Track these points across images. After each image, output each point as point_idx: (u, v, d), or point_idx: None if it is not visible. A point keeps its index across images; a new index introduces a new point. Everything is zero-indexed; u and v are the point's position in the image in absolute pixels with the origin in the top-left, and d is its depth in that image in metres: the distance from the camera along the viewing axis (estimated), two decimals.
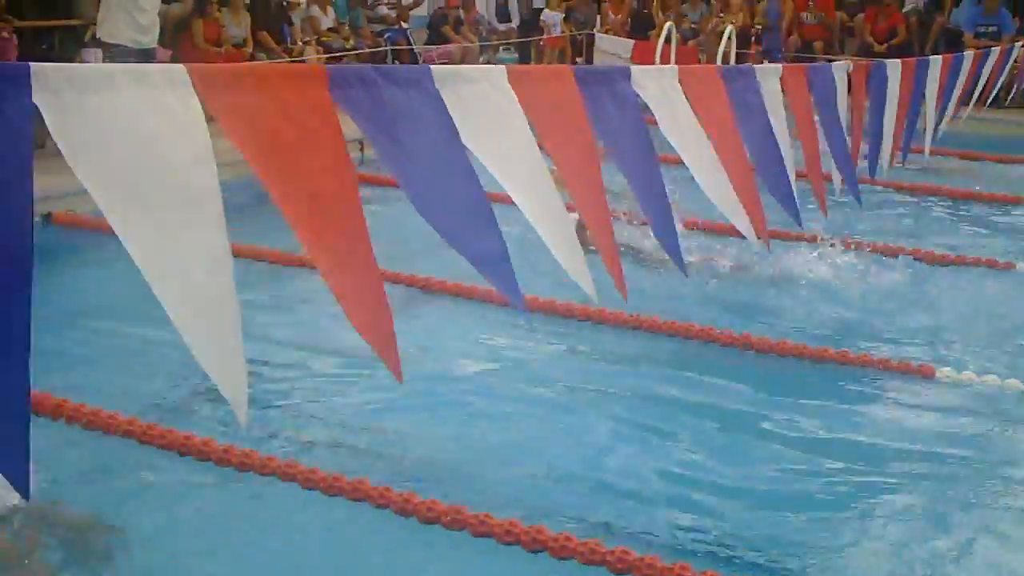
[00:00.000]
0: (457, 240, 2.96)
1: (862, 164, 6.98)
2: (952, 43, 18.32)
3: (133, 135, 2.28)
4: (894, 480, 5.61)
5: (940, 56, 7.82)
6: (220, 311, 2.43)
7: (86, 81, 2.22)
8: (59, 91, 2.16)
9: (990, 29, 18.24)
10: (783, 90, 4.84)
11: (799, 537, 4.98)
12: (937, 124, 9.10)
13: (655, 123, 4.00)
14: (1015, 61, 11.44)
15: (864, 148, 6.87)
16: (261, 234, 7.67)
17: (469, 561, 4.66)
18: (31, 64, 2.13)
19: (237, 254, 2.55)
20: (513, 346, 7.21)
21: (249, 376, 2.48)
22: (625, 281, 3.62)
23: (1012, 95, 16.09)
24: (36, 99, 2.12)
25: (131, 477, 5.21)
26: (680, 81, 3.93)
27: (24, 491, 2.24)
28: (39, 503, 4.61)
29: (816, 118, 5.47)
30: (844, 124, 5.94)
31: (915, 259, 9.48)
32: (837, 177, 6.12)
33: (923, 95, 7.36)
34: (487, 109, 3.09)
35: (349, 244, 2.69)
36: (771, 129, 4.75)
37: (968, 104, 10.37)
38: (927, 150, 8.84)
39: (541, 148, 3.23)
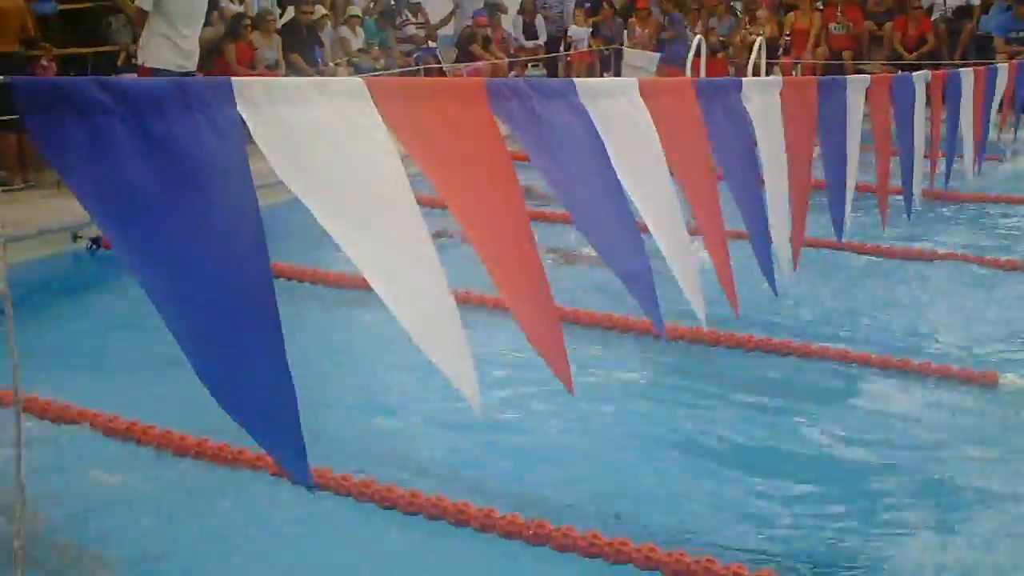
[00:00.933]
0: (610, 256, 2.96)
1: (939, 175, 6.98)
2: (982, 50, 18.30)
3: (328, 142, 2.29)
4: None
5: (1006, 64, 7.79)
6: (439, 301, 2.45)
7: (283, 93, 2.25)
8: (259, 103, 2.18)
9: (1022, 34, 18.20)
10: (867, 102, 4.84)
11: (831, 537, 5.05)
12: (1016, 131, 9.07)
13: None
14: None
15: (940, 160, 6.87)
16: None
17: None
18: (232, 79, 2.16)
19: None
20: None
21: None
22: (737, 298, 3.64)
23: None
24: (241, 110, 2.14)
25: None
26: (781, 94, 3.94)
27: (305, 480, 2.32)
28: None
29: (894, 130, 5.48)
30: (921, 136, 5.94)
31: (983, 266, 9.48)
32: (918, 189, 6.10)
33: (991, 103, 7.36)
34: (625, 124, 3.11)
35: (522, 257, 2.69)
36: (845, 144, 4.75)
37: None
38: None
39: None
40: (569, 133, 2.90)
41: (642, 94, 3.22)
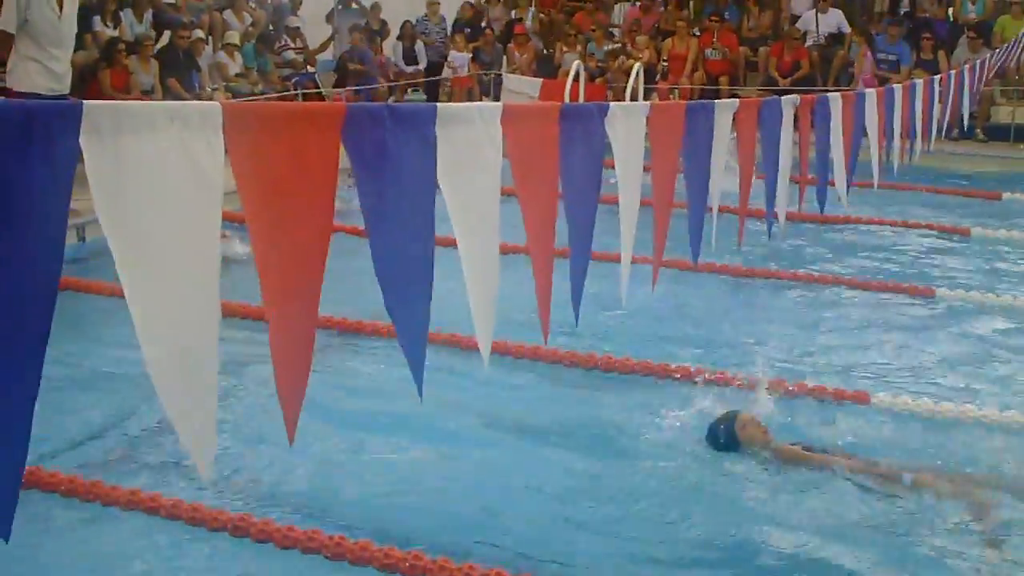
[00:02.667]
0: (396, 303, 2.95)
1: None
2: (852, 77, 18.70)
3: (154, 178, 2.26)
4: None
5: (874, 90, 7.93)
6: (202, 370, 2.42)
7: (132, 120, 2.23)
8: (103, 131, 2.16)
9: (890, 58, 18.63)
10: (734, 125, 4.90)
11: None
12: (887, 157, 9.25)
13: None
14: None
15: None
16: None
17: None
18: (84, 103, 2.13)
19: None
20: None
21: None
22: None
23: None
24: (82, 140, 2.12)
25: None
26: (648, 119, 3.96)
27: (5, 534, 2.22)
28: None
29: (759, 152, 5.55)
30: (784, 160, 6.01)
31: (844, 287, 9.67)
32: (782, 212, 6.17)
33: (864, 128, 7.48)
34: (472, 153, 3.11)
35: (305, 295, 2.70)
36: (709, 165, 4.79)
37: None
38: (875, 183, 8.93)
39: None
40: (409, 167, 2.92)
41: (503, 120, 3.24)
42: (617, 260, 4.25)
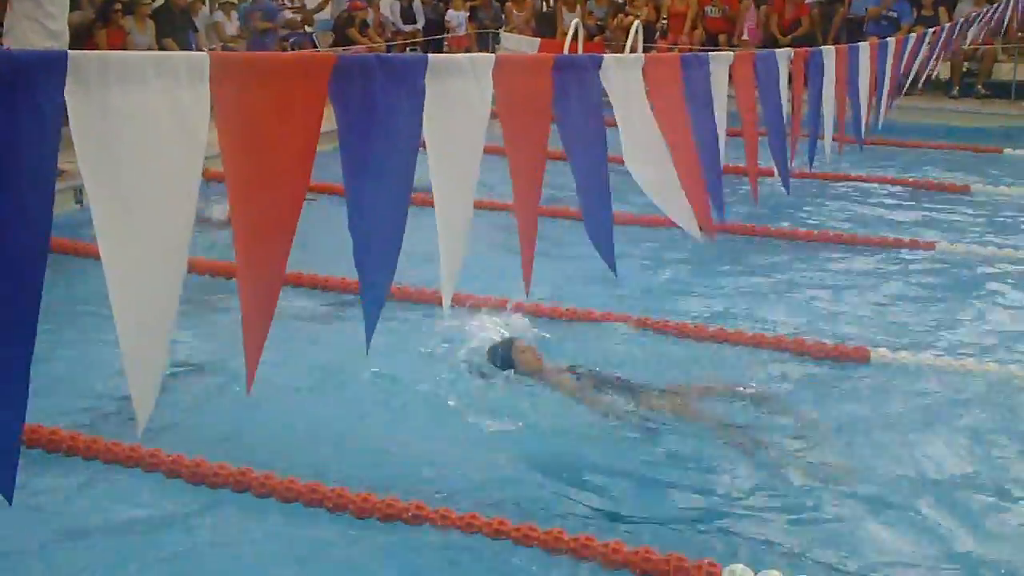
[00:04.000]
0: (365, 259, 2.94)
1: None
2: (853, 33, 18.59)
3: (143, 133, 2.24)
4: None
5: (868, 43, 7.89)
6: (159, 327, 2.41)
7: (120, 71, 2.21)
8: (91, 83, 2.15)
9: (890, 14, 18.54)
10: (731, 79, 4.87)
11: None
12: (878, 112, 9.24)
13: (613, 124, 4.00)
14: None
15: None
16: None
17: None
18: (69, 52, 2.11)
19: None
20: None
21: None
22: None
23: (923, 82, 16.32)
24: (68, 94, 2.11)
25: None
26: (643, 71, 3.93)
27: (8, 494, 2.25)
28: None
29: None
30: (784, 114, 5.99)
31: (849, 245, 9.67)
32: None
33: (858, 85, 7.45)
34: (461, 105, 3.09)
35: (276, 248, 2.68)
36: (714, 119, 4.76)
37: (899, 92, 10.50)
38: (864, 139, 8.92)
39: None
40: (395, 121, 2.89)
41: (495, 72, 3.21)
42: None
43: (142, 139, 2.26)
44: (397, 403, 6.17)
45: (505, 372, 6.24)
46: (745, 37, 18.93)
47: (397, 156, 2.99)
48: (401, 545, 4.73)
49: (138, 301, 2.33)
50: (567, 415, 5.95)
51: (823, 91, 6.59)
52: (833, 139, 7.54)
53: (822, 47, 6.59)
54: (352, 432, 5.81)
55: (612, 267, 3.98)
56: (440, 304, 3.39)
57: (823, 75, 6.44)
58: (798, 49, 6.19)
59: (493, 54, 3.34)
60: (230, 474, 5.12)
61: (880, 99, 9.21)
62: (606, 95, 3.79)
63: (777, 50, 5.71)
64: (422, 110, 3.01)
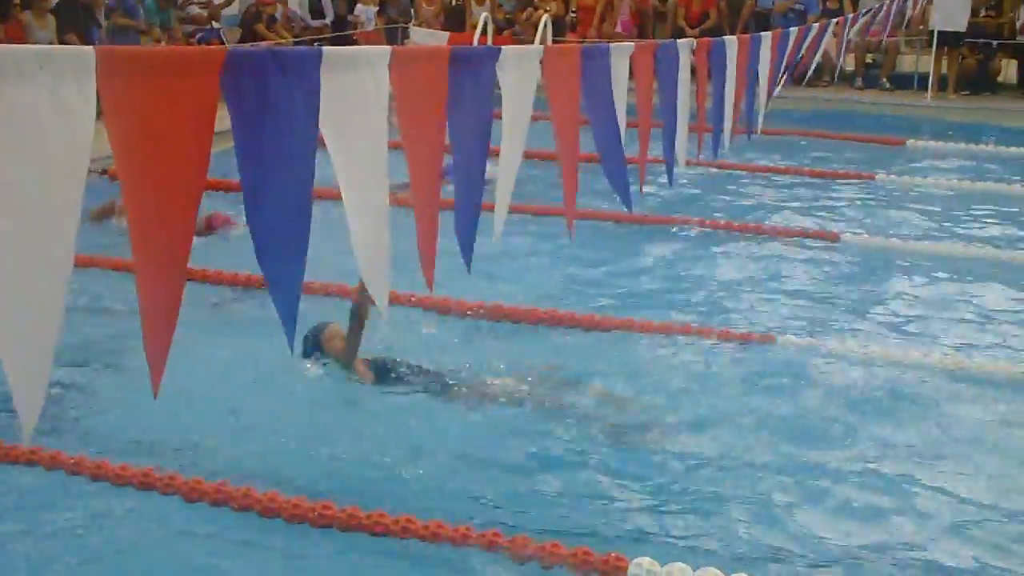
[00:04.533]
0: (267, 253, 2.89)
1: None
2: (761, 26, 18.77)
3: (26, 129, 2.18)
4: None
5: (771, 33, 7.96)
6: (45, 328, 2.36)
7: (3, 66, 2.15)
8: None
9: (797, 7, 18.74)
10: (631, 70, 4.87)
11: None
12: (766, 101, 9.33)
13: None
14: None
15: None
16: None
17: None
18: None
19: None
20: None
21: None
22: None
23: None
24: None
25: None
26: (541, 63, 3.92)
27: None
28: None
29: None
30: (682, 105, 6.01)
31: (747, 234, 9.75)
32: (681, 157, 6.16)
33: (756, 73, 7.51)
34: (357, 98, 3.05)
35: (173, 244, 2.62)
36: (613, 110, 4.75)
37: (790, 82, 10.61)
38: (759, 129, 9.00)
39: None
40: (289, 115, 2.85)
41: (392, 65, 3.18)
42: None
43: (25, 135, 2.20)
44: (306, 401, 6.11)
45: (312, 355, 6.29)
46: (619, 30, 19.00)
47: (294, 151, 2.94)
48: (310, 545, 4.69)
49: (21, 302, 2.27)
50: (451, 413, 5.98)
51: (726, 82, 6.63)
52: (735, 132, 7.61)
53: (725, 37, 6.64)
54: (262, 431, 5.73)
55: (468, 262, 3.95)
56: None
57: (726, 66, 6.48)
58: (701, 39, 6.22)
59: (389, 46, 3.31)
60: (133, 474, 5.04)
61: (775, 87, 9.30)
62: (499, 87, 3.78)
63: (679, 40, 5.73)
64: (318, 104, 2.97)
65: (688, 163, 6.96)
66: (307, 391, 6.16)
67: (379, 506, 4.80)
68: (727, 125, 7.12)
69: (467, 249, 3.93)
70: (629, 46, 4.86)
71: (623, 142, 4.96)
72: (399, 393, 6.10)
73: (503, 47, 3.79)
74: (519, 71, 3.85)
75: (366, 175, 3.18)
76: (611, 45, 4.63)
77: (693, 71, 6.24)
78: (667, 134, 5.84)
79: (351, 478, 5.23)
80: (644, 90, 5.16)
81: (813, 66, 13.48)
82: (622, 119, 4.78)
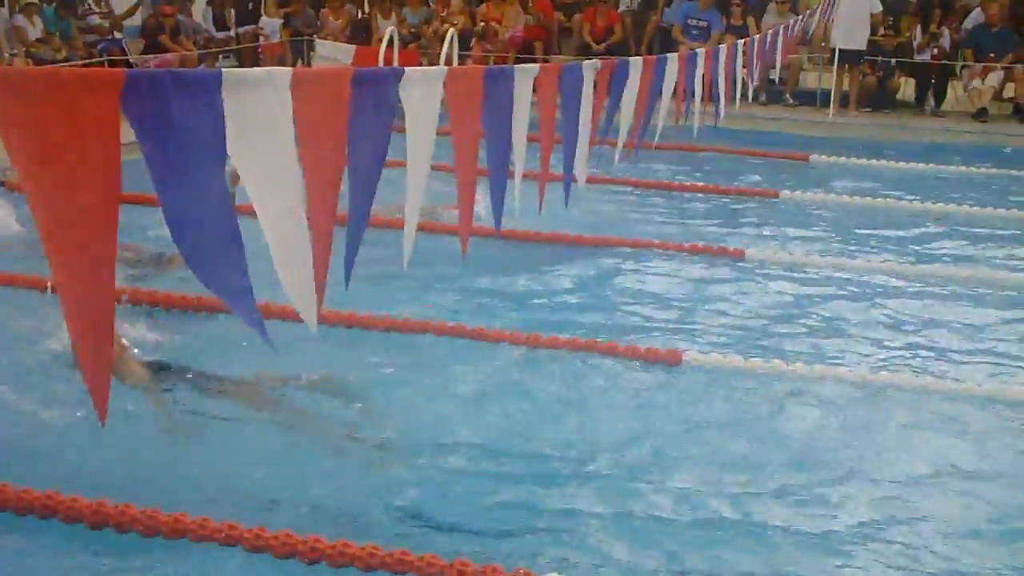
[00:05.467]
0: (207, 272, 2.85)
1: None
2: (666, 41, 18.96)
3: None
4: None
5: (675, 54, 8.01)
6: None
7: None
8: None
9: (701, 23, 18.91)
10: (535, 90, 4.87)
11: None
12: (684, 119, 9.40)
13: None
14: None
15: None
16: None
17: None
18: None
19: None
20: None
21: None
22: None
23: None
24: None
25: None
26: (444, 84, 3.90)
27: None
28: None
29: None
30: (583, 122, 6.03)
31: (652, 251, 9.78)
32: (581, 175, 6.17)
33: (660, 92, 7.54)
34: (262, 119, 3.00)
35: (93, 264, 2.56)
36: (510, 132, 4.75)
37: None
38: (654, 145, 9.05)
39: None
40: (196, 136, 2.80)
41: (293, 86, 3.15)
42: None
43: None
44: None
45: None
46: (509, 35, 18.98)
47: (204, 169, 2.90)
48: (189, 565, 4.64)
49: None
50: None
51: (623, 99, 6.65)
52: (629, 146, 7.66)
53: (630, 58, 6.66)
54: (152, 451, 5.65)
55: (347, 279, 3.93)
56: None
57: (626, 85, 6.51)
58: (606, 60, 6.24)
59: (291, 68, 3.27)
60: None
61: (688, 107, 9.37)
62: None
63: (585, 62, 5.74)
64: (223, 124, 2.93)
65: (590, 180, 6.97)
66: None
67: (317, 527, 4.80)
68: (620, 141, 7.16)
69: (349, 265, 3.90)
70: (534, 68, 4.85)
71: (520, 162, 4.97)
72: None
73: (407, 68, 3.78)
74: (422, 92, 3.83)
75: (279, 195, 3.15)
76: (515, 67, 4.62)
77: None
78: (567, 154, 5.84)
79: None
80: (546, 111, 5.16)
81: (741, 89, 13.62)
82: (519, 141, 4.78)
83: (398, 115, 3.80)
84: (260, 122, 3.04)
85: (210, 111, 2.85)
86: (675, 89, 7.88)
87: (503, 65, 4.70)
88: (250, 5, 20.72)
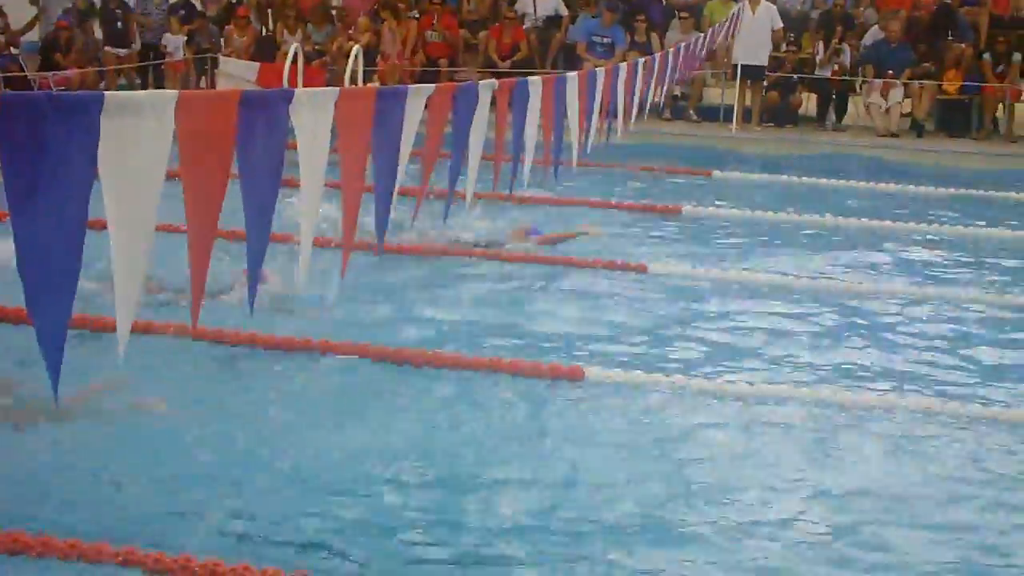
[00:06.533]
0: (37, 297, 2.80)
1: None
2: (571, 58, 19.04)
3: None
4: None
5: (576, 73, 8.05)
6: None
7: None
8: None
9: (605, 40, 19.02)
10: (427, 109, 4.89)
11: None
12: (587, 138, 9.43)
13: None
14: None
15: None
16: None
17: None
18: None
19: None
20: None
21: None
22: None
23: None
24: None
25: None
26: (336, 105, 3.89)
27: None
28: None
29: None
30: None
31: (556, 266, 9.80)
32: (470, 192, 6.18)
33: (565, 110, 7.57)
34: (139, 142, 2.97)
35: None
36: (397, 151, 4.74)
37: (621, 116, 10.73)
38: (574, 163, 9.07)
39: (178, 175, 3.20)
40: (65, 162, 2.76)
41: (178, 109, 3.12)
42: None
43: None
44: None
45: None
46: (395, 62, 18.91)
47: (67, 196, 2.87)
48: None
49: None
50: None
51: (527, 118, 6.67)
52: (537, 163, 7.69)
53: (529, 78, 6.69)
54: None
55: (251, 302, 3.90)
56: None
57: (528, 104, 6.53)
58: (503, 80, 6.27)
59: (176, 91, 3.24)
60: None
61: (590, 125, 9.40)
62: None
63: (481, 82, 5.75)
64: (96, 148, 2.89)
65: (492, 196, 6.98)
66: None
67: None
68: (528, 160, 7.19)
69: (253, 286, 3.87)
70: (429, 88, 4.85)
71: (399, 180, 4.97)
72: None
73: (296, 89, 3.76)
74: (313, 113, 3.81)
75: (136, 217, 3.11)
76: (409, 87, 4.61)
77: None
78: (452, 171, 5.85)
79: None
80: (435, 130, 5.17)
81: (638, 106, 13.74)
82: (403, 159, 4.78)
83: (291, 136, 3.78)
84: (133, 145, 3.00)
85: (86, 135, 2.81)
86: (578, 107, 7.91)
87: (397, 86, 4.69)
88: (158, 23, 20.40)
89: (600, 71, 8.90)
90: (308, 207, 4.08)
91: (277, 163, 3.66)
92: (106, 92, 2.99)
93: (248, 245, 3.78)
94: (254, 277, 3.85)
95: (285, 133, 3.68)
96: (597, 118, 9.50)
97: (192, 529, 5.02)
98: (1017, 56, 18.04)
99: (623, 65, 10.21)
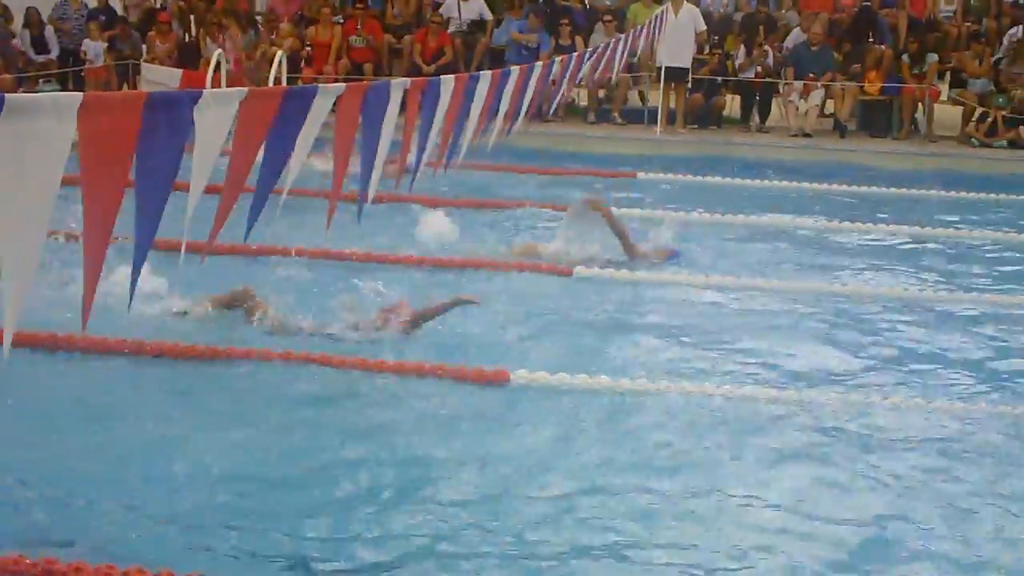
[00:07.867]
0: None
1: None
2: (496, 61, 19.04)
3: None
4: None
5: (489, 72, 8.05)
6: None
7: None
8: None
9: (530, 44, 19.04)
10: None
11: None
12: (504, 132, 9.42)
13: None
14: (553, 77, 11.94)
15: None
16: None
17: None
18: None
19: None
20: None
21: None
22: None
23: (554, 109, 16.84)
24: None
25: None
26: (240, 104, 3.85)
27: None
28: None
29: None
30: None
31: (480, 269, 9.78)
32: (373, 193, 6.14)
33: (469, 110, 7.55)
34: (37, 144, 2.92)
35: None
36: (291, 151, 4.70)
37: (518, 118, 10.72)
38: (458, 163, 9.06)
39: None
40: None
41: (81, 110, 3.08)
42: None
43: None
44: None
45: None
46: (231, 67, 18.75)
47: None
48: None
49: None
50: None
51: (434, 118, 6.65)
52: (433, 164, 7.74)
53: (440, 76, 6.67)
54: None
55: (130, 295, 3.86)
56: None
57: (437, 103, 6.51)
58: (416, 79, 6.26)
59: (81, 93, 3.19)
60: None
61: (490, 124, 9.37)
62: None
63: (393, 80, 5.73)
64: None
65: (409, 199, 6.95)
66: None
67: None
68: (424, 160, 7.18)
69: (133, 284, 3.83)
70: (340, 87, 4.82)
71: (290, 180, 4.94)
72: None
73: (203, 90, 3.72)
74: (216, 114, 3.77)
75: (26, 218, 3.05)
76: (319, 87, 4.58)
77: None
78: (363, 173, 5.81)
79: None
80: (343, 130, 5.13)
81: (555, 104, 13.71)
82: (296, 159, 4.74)
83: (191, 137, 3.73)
84: (32, 146, 2.96)
85: None
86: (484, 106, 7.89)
87: (305, 86, 4.65)
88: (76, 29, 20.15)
89: (514, 70, 8.88)
90: (192, 207, 4.01)
91: (172, 164, 3.62)
92: (6, 95, 2.93)
93: (135, 244, 3.73)
94: (135, 279, 3.81)
95: (186, 135, 3.64)
96: (502, 118, 9.42)
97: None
98: (932, 57, 18.30)
99: (538, 64, 10.20)
